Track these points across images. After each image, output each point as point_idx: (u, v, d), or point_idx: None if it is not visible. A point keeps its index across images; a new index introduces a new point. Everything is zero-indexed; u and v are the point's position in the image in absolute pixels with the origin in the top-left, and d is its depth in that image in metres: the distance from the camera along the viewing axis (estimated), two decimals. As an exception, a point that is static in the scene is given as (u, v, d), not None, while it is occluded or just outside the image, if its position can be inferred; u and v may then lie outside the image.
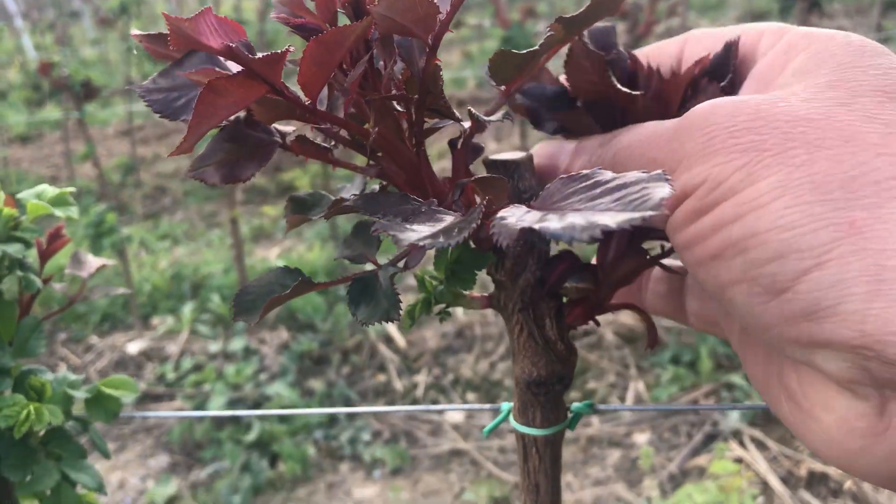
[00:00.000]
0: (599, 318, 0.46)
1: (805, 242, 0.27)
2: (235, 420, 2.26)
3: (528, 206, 0.28)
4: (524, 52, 0.39)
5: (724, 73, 0.39)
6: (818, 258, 0.27)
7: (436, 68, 0.35)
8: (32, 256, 0.60)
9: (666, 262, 0.45)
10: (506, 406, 0.51)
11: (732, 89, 0.40)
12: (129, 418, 2.32)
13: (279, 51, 0.30)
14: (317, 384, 2.43)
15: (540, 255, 0.44)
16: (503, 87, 0.42)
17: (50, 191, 0.58)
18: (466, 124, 0.41)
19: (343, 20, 0.38)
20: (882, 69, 0.31)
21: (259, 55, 0.31)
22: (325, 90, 0.39)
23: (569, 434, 1.49)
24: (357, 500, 1.99)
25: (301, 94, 0.35)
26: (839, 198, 0.27)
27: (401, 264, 0.42)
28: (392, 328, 2.69)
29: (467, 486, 2.00)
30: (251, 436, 2.18)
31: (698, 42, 0.42)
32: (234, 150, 0.40)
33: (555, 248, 0.44)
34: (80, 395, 0.58)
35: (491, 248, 0.43)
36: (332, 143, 0.40)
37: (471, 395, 2.36)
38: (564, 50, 0.42)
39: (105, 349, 2.77)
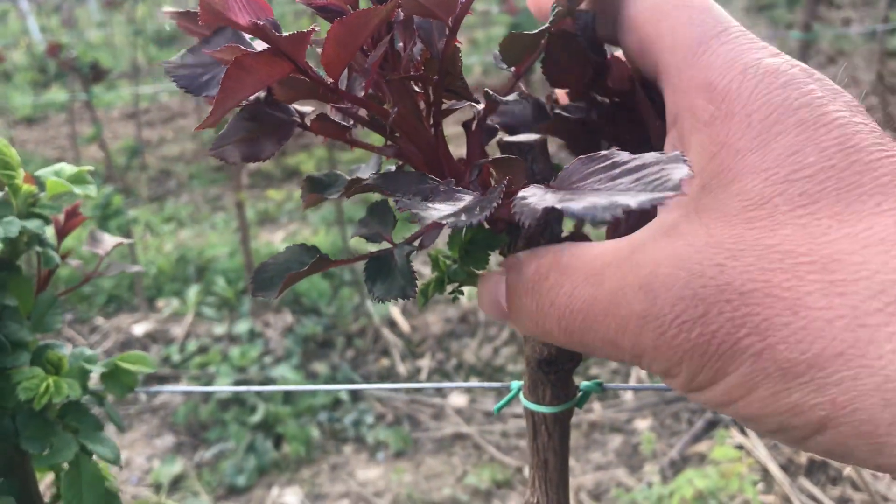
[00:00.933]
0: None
1: (797, 424, 0.27)
2: (240, 401, 2.28)
3: (547, 187, 0.29)
4: (533, 32, 0.39)
5: None
6: (817, 431, 0.27)
7: (455, 50, 0.36)
8: (50, 233, 0.61)
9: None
10: (515, 384, 0.52)
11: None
12: (135, 399, 2.34)
13: (304, 31, 0.31)
14: (321, 367, 2.45)
15: (552, 236, 0.44)
16: (514, 69, 0.43)
17: (68, 168, 0.59)
18: (481, 106, 0.42)
19: (363, 2, 0.39)
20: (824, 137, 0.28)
21: (285, 33, 0.32)
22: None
23: (571, 420, 1.51)
24: (360, 482, 2.01)
25: (323, 73, 0.35)
26: (812, 379, 0.26)
27: (416, 243, 0.43)
28: (396, 312, 2.71)
29: (469, 469, 2.02)
30: (256, 417, 2.20)
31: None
32: (255, 129, 0.41)
33: (564, 231, 0.45)
34: (96, 369, 0.59)
35: (504, 228, 0.44)
36: (351, 122, 0.41)
37: (473, 380, 2.38)
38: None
39: (111, 330, 2.79)
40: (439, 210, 0.29)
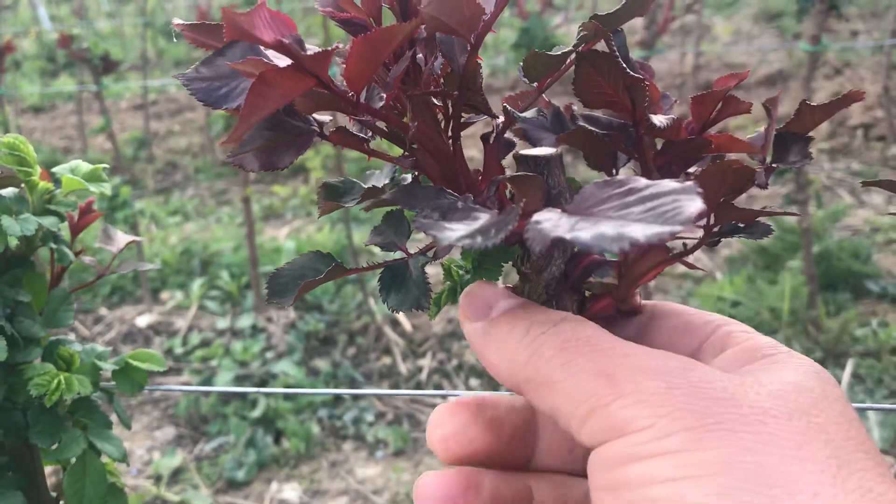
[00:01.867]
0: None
1: None
2: (241, 396, 2.28)
3: (563, 210, 0.29)
4: (556, 53, 0.40)
5: None
6: None
7: (476, 66, 0.37)
8: (65, 230, 0.61)
9: (689, 259, 0.46)
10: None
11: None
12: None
13: (328, 48, 0.31)
14: (322, 364, 2.46)
15: (565, 249, 0.45)
16: (535, 85, 0.43)
17: (84, 166, 0.59)
18: (500, 120, 0.42)
19: (387, 14, 0.39)
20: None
21: (309, 50, 0.32)
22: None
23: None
24: (359, 479, 2.01)
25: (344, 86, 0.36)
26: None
27: (430, 254, 0.43)
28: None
29: (468, 470, 2.02)
30: (256, 412, 2.21)
31: (666, 320, 0.43)
32: (274, 138, 0.41)
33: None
34: (107, 366, 0.60)
35: (518, 241, 0.44)
36: (370, 133, 0.41)
37: (474, 381, 2.38)
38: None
39: (114, 321, 2.80)
40: (455, 231, 0.30)
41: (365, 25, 0.37)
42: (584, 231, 0.26)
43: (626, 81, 0.41)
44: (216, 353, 2.51)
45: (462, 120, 0.41)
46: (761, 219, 0.43)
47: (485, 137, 0.43)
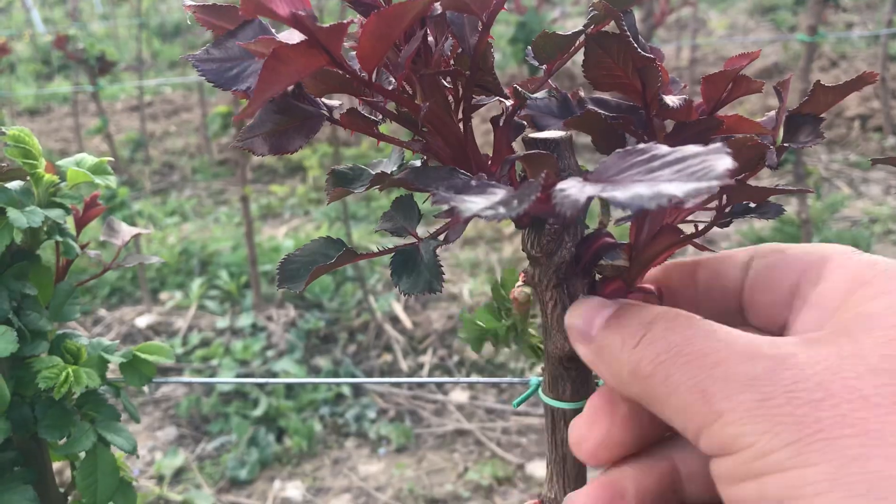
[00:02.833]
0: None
1: None
2: (243, 395, 2.28)
3: (585, 179, 0.29)
4: (567, 33, 0.40)
5: None
6: None
7: (488, 45, 0.36)
8: (70, 223, 0.61)
9: (698, 241, 0.46)
10: (535, 380, 0.53)
11: (789, 311, 0.39)
12: (138, 390, 2.35)
13: (343, 21, 0.31)
14: (323, 362, 2.45)
15: (576, 232, 0.45)
16: (545, 66, 0.43)
17: (89, 159, 0.59)
18: (510, 102, 0.42)
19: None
20: None
21: (322, 25, 0.32)
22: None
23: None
24: (362, 476, 2.01)
25: (356, 66, 0.35)
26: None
27: (441, 237, 0.43)
28: (398, 308, 2.71)
29: (471, 465, 2.02)
30: (258, 411, 2.20)
31: (764, 258, 0.42)
32: (283, 122, 0.41)
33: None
34: (115, 359, 0.59)
35: (528, 224, 0.44)
36: (380, 117, 0.41)
37: (475, 377, 2.38)
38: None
39: (114, 322, 2.79)
40: (476, 203, 0.30)
41: (376, 5, 0.37)
42: (617, 192, 0.26)
43: (638, 63, 0.41)
44: (216, 353, 2.51)
45: (472, 102, 0.41)
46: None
47: (495, 120, 0.43)
